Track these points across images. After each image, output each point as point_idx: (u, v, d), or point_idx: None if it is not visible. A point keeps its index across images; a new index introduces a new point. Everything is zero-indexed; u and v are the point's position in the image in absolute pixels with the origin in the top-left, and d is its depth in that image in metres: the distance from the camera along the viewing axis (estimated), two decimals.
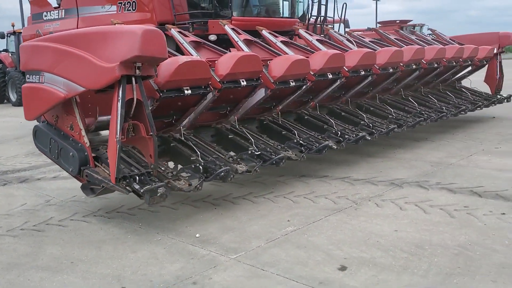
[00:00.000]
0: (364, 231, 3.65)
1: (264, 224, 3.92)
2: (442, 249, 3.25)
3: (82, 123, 3.95)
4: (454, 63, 7.79)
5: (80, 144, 3.95)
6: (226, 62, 4.35)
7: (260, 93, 4.93)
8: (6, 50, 19.24)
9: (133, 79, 3.48)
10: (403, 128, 6.18)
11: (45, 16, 9.48)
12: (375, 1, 52.27)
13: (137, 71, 3.44)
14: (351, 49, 6.31)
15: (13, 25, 19.18)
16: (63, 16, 9.04)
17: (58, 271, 3.24)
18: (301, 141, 5.00)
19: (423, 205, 4.18)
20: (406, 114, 6.70)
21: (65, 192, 5.15)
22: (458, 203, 4.19)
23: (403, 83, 7.16)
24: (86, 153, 3.92)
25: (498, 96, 9.05)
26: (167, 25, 5.53)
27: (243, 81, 4.49)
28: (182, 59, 3.99)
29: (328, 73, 5.39)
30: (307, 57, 5.34)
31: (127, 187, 3.62)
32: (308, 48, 5.89)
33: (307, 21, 8.54)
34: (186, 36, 5.04)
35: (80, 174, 3.96)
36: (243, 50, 5.09)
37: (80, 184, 4.11)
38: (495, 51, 8.83)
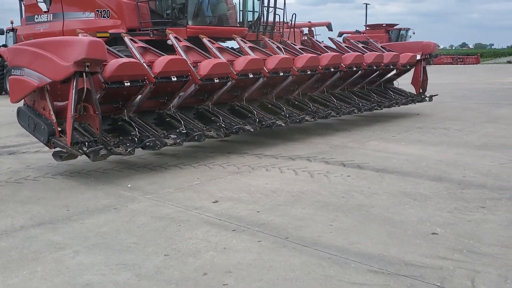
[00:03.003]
0: (245, 184, 5.20)
1: (180, 181, 5.46)
2: (287, 193, 4.80)
3: (51, 105, 5.48)
4: (375, 67, 9.34)
5: (49, 121, 5.46)
6: (159, 63, 5.90)
7: (192, 87, 6.47)
8: (5, 45, 20.75)
9: (84, 74, 5.03)
10: (314, 119, 7.74)
11: (36, 18, 11.03)
12: (365, 4, 54.06)
13: (86, 68, 4.99)
14: (280, 54, 7.85)
15: (12, 22, 20.75)
16: (51, 19, 10.59)
17: (27, 203, 4.77)
18: (222, 125, 6.56)
19: (298, 170, 5.73)
20: (324, 108, 8.26)
21: (42, 161, 6.68)
22: (324, 170, 5.74)
23: (327, 83, 8.71)
24: (53, 127, 5.43)
25: (422, 96, 10.62)
26: (122, 33, 7.06)
27: (173, 77, 6.04)
28: (122, 60, 5.54)
29: (249, 73, 6.93)
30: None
31: (79, 150, 5.17)
32: (238, 53, 7.43)
33: (257, 29, 10.12)
34: (135, 42, 6.56)
35: (49, 142, 5.49)
36: (180, 55, 6.62)
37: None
38: (418, 58, 10.38)
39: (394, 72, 10.34)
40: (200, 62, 6.55)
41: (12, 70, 5.61)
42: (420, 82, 10.59)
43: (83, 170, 6.05)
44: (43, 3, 10.82)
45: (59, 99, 5.78)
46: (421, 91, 10.67)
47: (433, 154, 6.50)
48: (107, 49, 5.69)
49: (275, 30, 10.83)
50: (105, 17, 9.21)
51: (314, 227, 3.86)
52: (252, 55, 7.23)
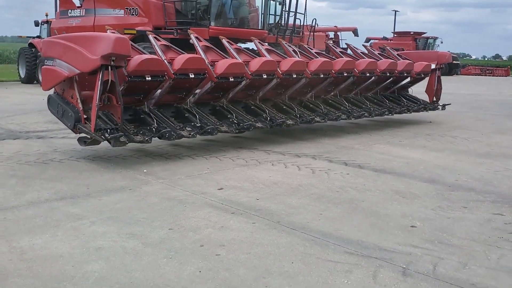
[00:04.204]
0: (250, 175, 5.64)
1: (191, 169, 5.92)
2: (287, 185, 5.21)
3: (79, 94, 6.01)
4: (388, 74, 9.66)
5: (76, 108, 5.99)
6: (179, 60, 6.39)
7: (208, 85, 6.94)
8: (39, 37, 21.63)
9: (109, 67, 5.53)
10: (324, 120, 8.13)
11: (70, 13, 11.67)
12: (394, 11, 53.78)
13: (112, 62, 5.49)
14: (294, 57, 8.26)
15: (46, 15, 21.62)
16: (83, 14, 11.20)
17: (52, 181, 5.30)
18: (234, 121, 7.01)
19: (302, 166, 6.14)
20: (335, 111, 8.64)
21: (68, 145, 7.23)
22: (326, 167, 6.13)
23: (340, 87, 9.08)
24: (79, 114, 5.95)
25: (435, 105, 10.89)
26: (147, 31, 7.57)
27: (191, 74, 6.52)
28: (144, 56, 6.04)
29: (263, 74, 7.36)
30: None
31: (101, 136, 5.68)
32: (255, 54, 7.87)
33: (276, 32, 10.54)
34: (159, 40, 7.06)
35: (75, 128, 6.02)
36: (199, 54, 7.09)
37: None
38: (433, 67, 10.65)
39: (408, 79, 10.62)
40: (218, 61, 7.01)
41: (45, 61, 6.15)
42: (434, 90, 10.85)
43: (105, 155, 6.57)
44: None
45: (86, 89, 6.32)
46: (434, 99, 10.93)
47: (433, 159, 6.82)
48: (132, 45, 6.21)
49: (296, 34, 11.23)
50: (133, 15, 9.76)
51: (305, 215, 4.27)
52: (267, 57, 7.66)
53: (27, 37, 23.16)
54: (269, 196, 4.83)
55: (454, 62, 42.95)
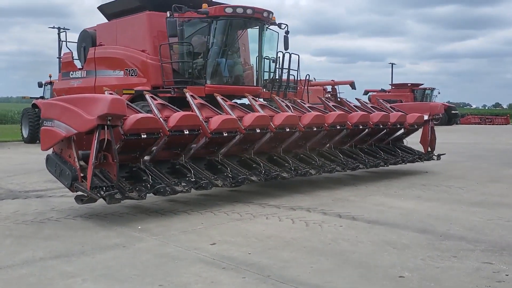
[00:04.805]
0: (244, 229, 5.69)
1: (186, 225, 5.98)
2: (280, 239, 5.26)
3: (76, 154, 6.17)
4: (381, 126, 9.85)
5: (73, 167, 6.14)
6: (174, 118, 6.60)
7: (203, 140, 7.12)
8: (42, 97, 22.16)
9: (106, 126, 5.72)
10: (320, 172, 8.24)
11: (72, 74, 12.07)
12: (391, 64, 55.12)
13: (108, 122, 5.69)
14: (287, 112, 8.49)
15: (50, 76, 22.25)
16: (85, 76, 11.59)
17: (48, 240, 5.36)
18: (229, 174, 7.13)
19: (296, 219, 6.19)
20: (330, 163, 8.76)
21: (66, 204, 7.32)
22: (320, 220, 6.18)
23: (334, 139, 9.25)
24: (76, 173, 6.09)
25: (430, 155, 11.01)
26: (144, 91, 7.84)
27: (186, 131, 6.71)
28: (140, 115, 6.25)
29: (257, 128, 7.55)
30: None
31: (97, 194, 5.79)
32: (249, 110, 8.10)
33: (271, 88, 10.86)
34: (155, 99, 7.31)
35: (72, 186, 6.14)
36: (194, 111, 7.31)
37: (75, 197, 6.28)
38: (426, 118, 10.85)
39: (402, 131, 10.80)
40: (212, 117, 7.22)
41: (44, 122, 6.37)
42: (428, 141, 10.98)
43: (101, 213, 6.65)
44: (78, 61, 11.88)
45: (84, 148, 6.48)
46: (429, 150, 11.05)
47: (427, 209, 6.87)
48: (128, 105, 6.43)
49: (291, 89, 11.55)
50: (132, 75, 10.11)
51: (296, 268, 4.30)
52: (260, 112, 7.88)
53: (30, 97, 23.71)
54: (261, 250, 4.87)
55: (453, 111, 43.51)
